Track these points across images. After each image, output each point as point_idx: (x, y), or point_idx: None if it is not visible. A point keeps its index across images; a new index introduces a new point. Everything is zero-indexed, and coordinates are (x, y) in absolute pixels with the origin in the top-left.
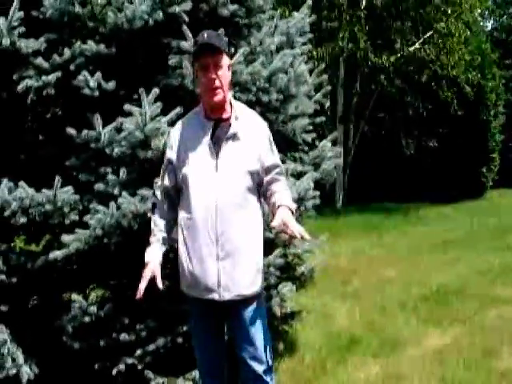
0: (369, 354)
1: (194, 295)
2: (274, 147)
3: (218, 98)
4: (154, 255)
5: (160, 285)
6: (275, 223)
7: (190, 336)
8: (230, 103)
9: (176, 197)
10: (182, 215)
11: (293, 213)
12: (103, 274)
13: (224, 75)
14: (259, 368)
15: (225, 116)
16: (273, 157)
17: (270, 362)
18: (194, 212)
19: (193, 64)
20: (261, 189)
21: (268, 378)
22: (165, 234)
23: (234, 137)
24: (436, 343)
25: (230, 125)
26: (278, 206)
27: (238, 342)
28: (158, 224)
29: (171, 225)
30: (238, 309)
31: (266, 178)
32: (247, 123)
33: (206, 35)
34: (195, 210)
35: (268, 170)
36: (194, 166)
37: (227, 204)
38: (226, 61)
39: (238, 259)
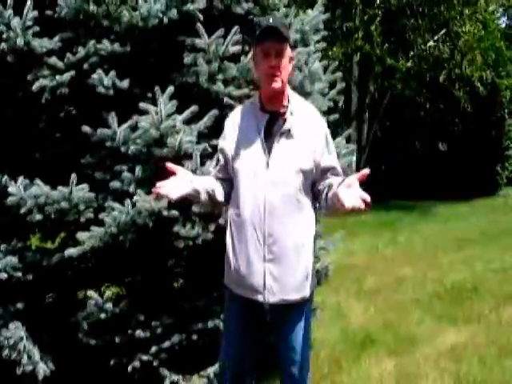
0: (384, 352)
1: (237, 292)
2: (332, 146)
3: (277, 85)
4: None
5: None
6: (348, 203)
7: (205, 333)
8: (288, 97)
9: (229, 188)
10: (231, 210)
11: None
12: (118, 272)
13: (285, 66)
14: (299, 371)
15: (281, 110)
16: (329, 157)
17: (308, 368)
18: (242, 209)
19: (253, 48)
20: (315, 189)
21: (304, 382)
22: (203, 184)
23: (288, 133)
24: (451, 341)
25: (284, 120)
26: (339, 184)
27: (280, 346)
28: (205, 177)
29: (216, 190)
30: (283, 313)
31: (321, 180)
32: (303, 119)
33: (271, 19)
34: (244, 207)
35: (323, 172)
36: (244, 162)
37: (277, 204)
38: (288, 52)
39: (286, 262)
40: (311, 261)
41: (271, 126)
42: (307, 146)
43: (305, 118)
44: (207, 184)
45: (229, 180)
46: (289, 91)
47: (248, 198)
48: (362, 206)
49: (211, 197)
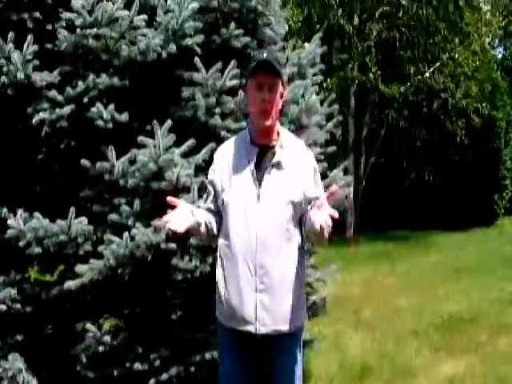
0: (381, 383)
1: (229, 326)
2: (319, 179)
3: (267, 123)
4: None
5: (179, 226)
6: (317, 222)
7: (203, 365)
8: (277, 131)
9: (219, 219)
10: (221, 242)
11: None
12: (117, 304)
13: (276, 101)
14: None
15: (270, 143)
16: (316, 189)
17: None
18: (233, 241)
19: (246, 81)
20: (302, 220)
21: None
22: (203, 217)
23: (278, 165)
24: (448, 371)
25: (274, 153)
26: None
27: (272, 376)
28: (200, 209)
29: (212, 223)
30: (274, 343)
31: (306, 211)
32: (292, 152)
33: (265, 54)
34: (234, 239)
35: (309, 203)
36: (235, 194)
37: (268, 235)
38: (280, 87)
39: (277, 293)
40: (302, 292)
41: (261, 158)
42: (297, 178)
43: (294, 151)
44: (205, 216)
45: (219, 213)
46: (278, 126)
47: (239, 230)
48: (329, 222)
49: (208, 229)
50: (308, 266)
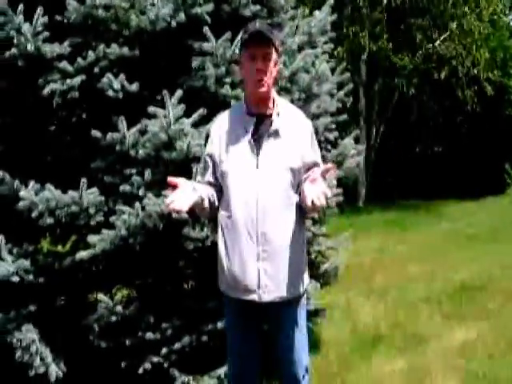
0: (393, 350)
1: (233, 296)
2: (316, 145)
3: (262, 89)
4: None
5: (183, 204)
6: (309, 199)
7: (215, 334)
8: (273, 100)
9: (218, 193)
10: (221, 214)
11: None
12: (129, 274)
13: (271, 70)
14: (297, 371)
15: (267, 112)
16: (313, 154)
17: (308, 365)
18: (234, 211)
19: (239, 51)
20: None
21: (304, 381)
22: (205, 191)
23: (276, 134)
24: (460, 338)
25: (271, 121)
26: (305, 179)
27: (277, 344)
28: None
29: (214, 196)
30: (278, 311)
31: (304, 175)
32: (289, 120)
33: (258, 24)
34: (235, 208)
35: (308, 168)
36: (233, 164)
37: (269, 202)
38: (274, 55)
39: (279, 260)
40: (304, 258)
41: (258, 127)
42: (295, 145)
43: (291, 118)
44: (207, 190)
45: (219, 185)
46: (274, 94)
47: (239, 199)
48: (323, 202)
49: (211, 202)
50: (319, 234)
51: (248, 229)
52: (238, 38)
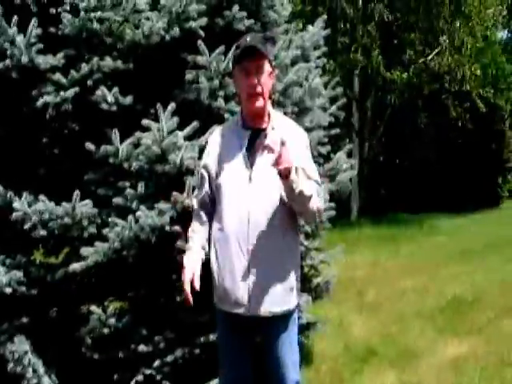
0: (385, 364)
1: (224, 308)
2: (310, 160)
3: (258, 104)
4: (192, 259)
5: (197, 286)
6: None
7: (207, 347)
8: (269, 114)
9: (212, 206)
10: (214, 226)
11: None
12: (121, 286)
13: (265, 82)
14: None
15: (262, 126)
16: (307, 167)
17: (299, 381)
18: (225, 224)
19: (233, 67)
20: None
21: None
22: (204, 241)
23: (270, 147)
24: (452, 352)
25: (266, 135)
26: None
27: (268, 359)
28: (197, 231)
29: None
30: (269, 325)
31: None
32: (284, 134)
33: (249, 38)
34: (227, 221)
35: None
36: (227, 177)
37: (260, 216)
38: (267, 67)
39: (270, 275)
40: (297, 273)
41: (253, 141)
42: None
43: (286, 132)
44: (203, 245)
45: (211, 198)
46: (269, 107)
47: (232, 213)
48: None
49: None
50: (312, 248)
51: (239, 242)
52: (232, 51)
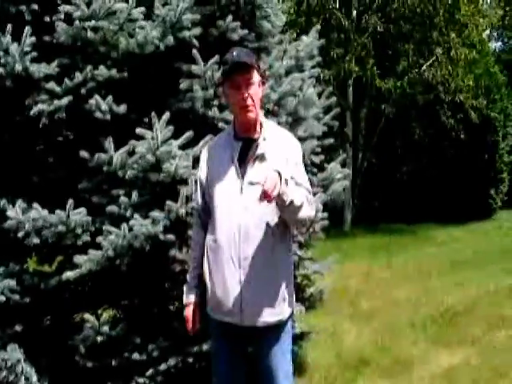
0: (378, 374)
1: (217, 318)
2: (303, 169)
3: (251, 115)
4: (190, 296)
5: (190, 329)
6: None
7: (201, 356)
8: (261, 123)
9: (207, 218)
10: (208, 237)
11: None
12: (115, 295)
13: (256, 92)
14: None
15: (254, 136)
16: (298, 176)
17: None
18: (218, 235)
19: (222, 83)
20: None
21: None
22: (201, 270)
23: (261, 158)
24: (445, 363)
25: (257, 145)
26: None
27: (259, 369)
28: (196, 257)
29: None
30: (261, 335)
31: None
32: (276, 143)
33: (235, 53)
34: (219, 232)
35: None
36: (219, 188)
37: (251, 227)
38: (256, 77)
39: (262, 285)
40: (289, 283)
41: (245, 152)
42: (279, 168)
43: (277, 142)
44: (199, 274)
45: (206, 209)
46: (262, 117)
47: (223, 223)
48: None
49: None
50: (305, 258)
51: (231, 253)
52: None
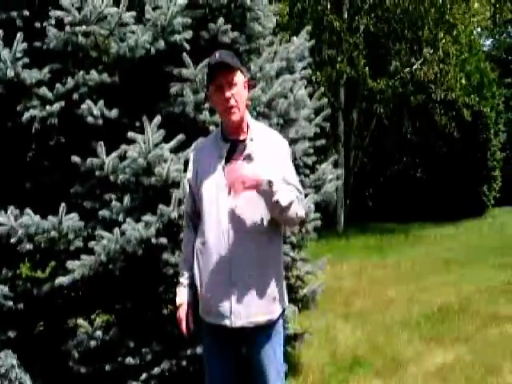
0: (372, 374)
1: (208, 320)
2: (291, 167)
3: (235, 117)
4: (183, 297)
5: (184, 330)
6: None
7: (194, 359)
8: (248, 124)
9: (198, 220)
10: (198, 240)
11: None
12: (108, 299)
13: (239, 93)
14: None
15: (241, 137)
16: (286, 174)
17: None
18: (207, 236)
19: (207, 86)
20: None
21: None
22: (192, 271)
23: (249, 158)
24: (439, 361)
25: (245, 146)
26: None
27: (251, 369)
28: (187, 259)
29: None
30: (252, 337)
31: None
32: (263, 143)
33: (217, 55)
34: (208, 234)
35: None
36: (207, 190)
37: (240, 228)
38: (240, 78)
39: (250, 286)
40: (279, 282)
41: (232, 153)
42: (267, 169)
43: (265, 142)
44: (191, 276)
45: (196, 212)
46: (248, 118)
47: (212, 225)
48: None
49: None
50: (298, 259)
51: (220, 255)
52: None
